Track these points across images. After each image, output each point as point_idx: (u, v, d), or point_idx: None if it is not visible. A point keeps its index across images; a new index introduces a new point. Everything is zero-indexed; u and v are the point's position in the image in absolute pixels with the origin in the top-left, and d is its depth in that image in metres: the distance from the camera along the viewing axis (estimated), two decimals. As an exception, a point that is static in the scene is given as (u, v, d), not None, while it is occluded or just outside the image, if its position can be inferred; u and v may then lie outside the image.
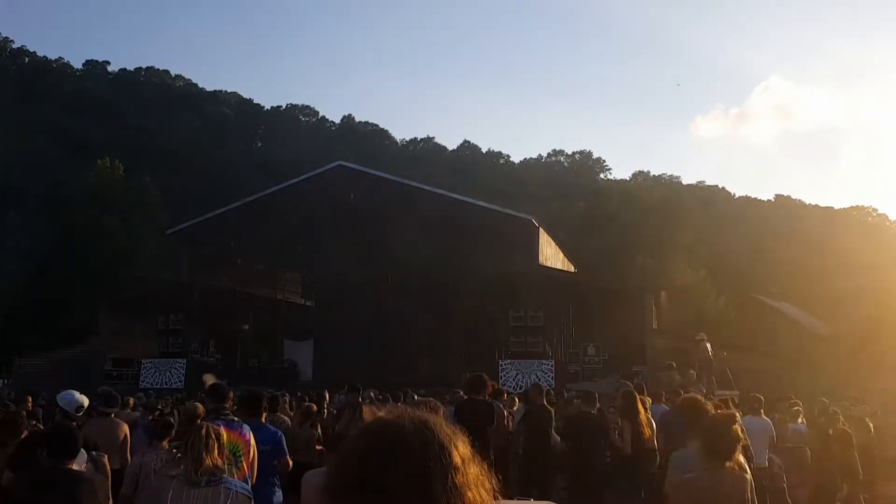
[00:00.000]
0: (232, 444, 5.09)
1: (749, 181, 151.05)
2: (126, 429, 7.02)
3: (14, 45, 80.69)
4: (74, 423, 5.47)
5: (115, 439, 6.90)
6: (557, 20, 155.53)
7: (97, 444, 5.46)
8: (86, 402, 5.95)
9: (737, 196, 79.83)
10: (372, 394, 14.86)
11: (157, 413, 9.84)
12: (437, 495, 1.14)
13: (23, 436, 5.89)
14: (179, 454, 3.73)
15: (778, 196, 78.48)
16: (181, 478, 3.62)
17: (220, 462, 3.70)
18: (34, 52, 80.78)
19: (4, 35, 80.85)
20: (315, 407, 9.34)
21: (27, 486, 4.04)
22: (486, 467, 1.27)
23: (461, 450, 1.22)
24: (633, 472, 7.50)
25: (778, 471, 9.09)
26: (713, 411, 4.05)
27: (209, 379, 6.08)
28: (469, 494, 1.18)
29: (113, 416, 7.37)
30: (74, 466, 4.09)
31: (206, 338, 28.32)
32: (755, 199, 78.34)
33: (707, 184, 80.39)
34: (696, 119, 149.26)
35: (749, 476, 3.85)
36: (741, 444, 3.78)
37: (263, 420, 6.20)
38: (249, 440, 5.19)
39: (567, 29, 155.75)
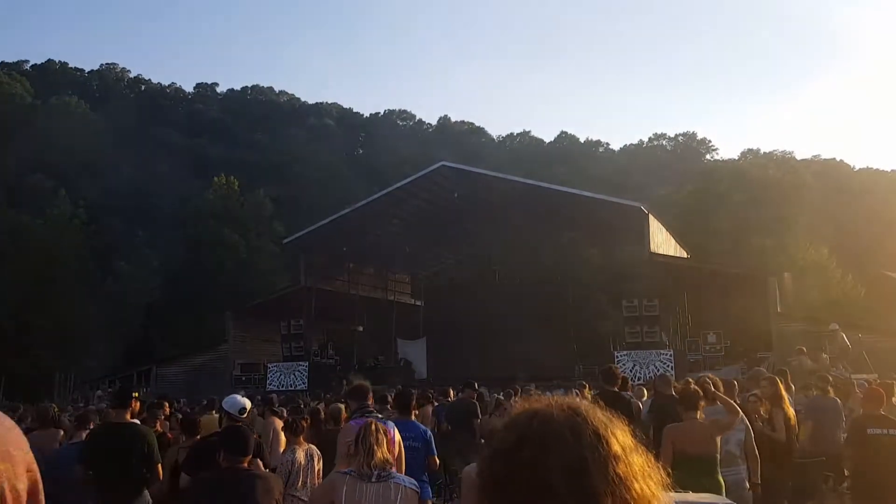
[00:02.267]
0: None
1: (870, 151, 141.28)
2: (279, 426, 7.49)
3: (131, 75, 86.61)
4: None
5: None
6: None
7: (262, 445, 5.82)
8: (248, 404, 6.31)
9: (857, 168, 75.02)
10: (484, 390, 14.97)
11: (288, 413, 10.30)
12: (597, 488, 1.04)
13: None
14: (352, 450, 3.90)
15: (904, 165, 73.20)
16: (353, 474, 3.78)
17: (389, 457, 3.85)
18: (149, 79, 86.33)
19: (122, 66, 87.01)
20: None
21: (207, 487, 4.32)
22: (652, 458, 1.15)
23: (621, 438, 1.11)
24: (781, 460, 7.23)
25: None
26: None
27: (362, 383, 6.29)
28: (636, 486, 1.07)
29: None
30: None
31: (325, 340, 29.43)
32: (878, 169, 73.27)
33: (823, 157, 75.95)
34: (808, 89, 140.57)
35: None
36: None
37: (413, 418, 6.34)
38: (394, 437, 5.25)
39: (659, 3, 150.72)
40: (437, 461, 6.19)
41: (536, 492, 1.05)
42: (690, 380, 6.11)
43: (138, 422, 7.93)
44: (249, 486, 4.07)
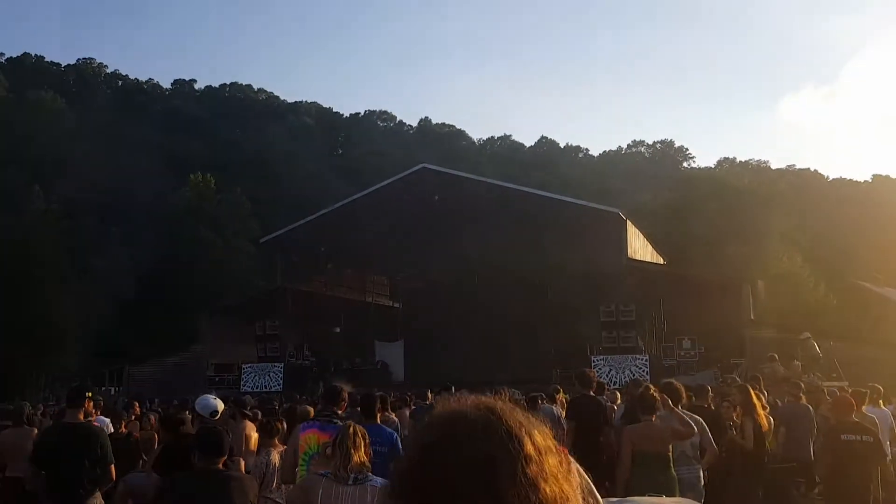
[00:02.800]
0: (322, 444, 5.25)
1: (843, 162, 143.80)
2: (254, 430, 7.38)
3: (108, 70, 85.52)
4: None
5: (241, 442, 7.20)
6: (631, 2, 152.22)
7: (233, 447, 5.75)
8: (221, 406, 6.24)
9: (831, 178, 76.38)
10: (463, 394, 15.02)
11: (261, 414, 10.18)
12: (503, 488, 1.02)
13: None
14: (329, 452, 3.88)
15: (876, 176, 74.42)
16: (330, 476, 3.77)
17: (366, 460, 3.84)
18: (126, 74, 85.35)
19: (99, 61, 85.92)
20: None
21: (183, 487, 4.29)
22: (568, 461, 1.15)
23: (537, 439, 1.09)
24: (753, 468, 7.32)
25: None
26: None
27: (337, 385, 6.19)
28: (546, 488, 1.05)
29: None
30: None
31: (301, 342, 29.22)
32: (851, 180, 74.70)
33: (798, 167, 77.25)
34: (784, 99, 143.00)
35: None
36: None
37: (378, 421, 6.25)
38: None
39: (641, 12, 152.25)
40: None
41: (443, 489, 1.02)
42: (650, 386, 6.74)
43: (107, 421, 7.84)
44: (225, 487, 4.07)
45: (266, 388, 25.04)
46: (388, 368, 27.88)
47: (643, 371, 21.67)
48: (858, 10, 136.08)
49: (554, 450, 1.11)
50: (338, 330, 29.94)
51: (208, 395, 6.47)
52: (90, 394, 6.46)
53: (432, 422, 1.12)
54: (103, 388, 26.32)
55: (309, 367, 27.46)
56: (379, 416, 6.58)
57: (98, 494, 5.65)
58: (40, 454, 5.67)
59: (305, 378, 25.69)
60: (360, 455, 3.79)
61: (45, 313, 34.56)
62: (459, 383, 17.34)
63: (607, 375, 21.68)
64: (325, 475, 3.79)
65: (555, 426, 8.89)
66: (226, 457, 4.25)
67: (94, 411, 7.51)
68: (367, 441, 3.91)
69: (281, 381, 25.46)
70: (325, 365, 27.93)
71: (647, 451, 5.85)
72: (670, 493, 5.54)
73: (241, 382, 25.90)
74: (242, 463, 5.17)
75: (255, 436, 7.30)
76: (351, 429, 3.86)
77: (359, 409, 6.62)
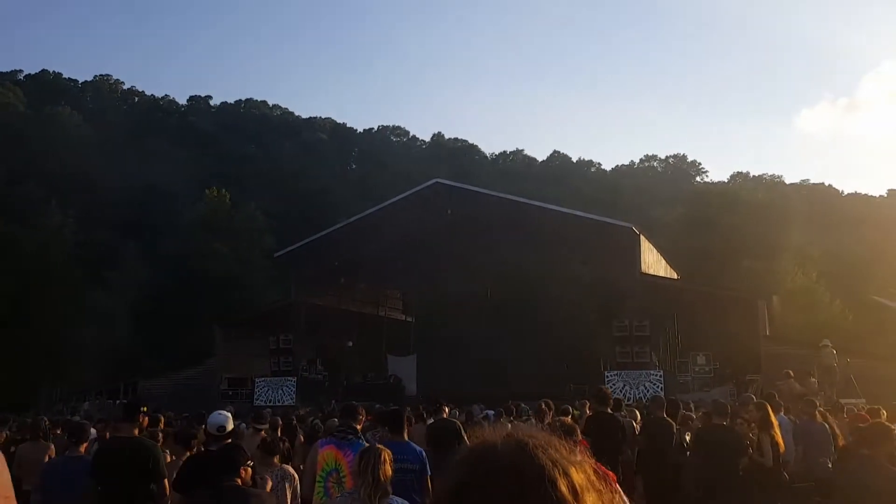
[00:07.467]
0: (337, 462, 5.23)
1: (858, 177, 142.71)
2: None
3: (124, 87, 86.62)
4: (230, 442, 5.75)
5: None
6: (643, 16, 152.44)
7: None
8: (229, 423, 6.05)
9: (845, 193, 75.92)
10: (477, 408, 14.87)
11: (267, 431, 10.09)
12: None
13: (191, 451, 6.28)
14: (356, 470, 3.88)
15: (891, 191, 73.91)
16: (357, 497, 3.78)
17: (384, 481, 3.85)
18: (143, 91, 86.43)
19: (116, 77, 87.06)
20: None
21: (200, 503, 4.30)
22: (611, 489, 1.06)
23: (575, 477, 1.00)
24: (770, 486, 7.24)
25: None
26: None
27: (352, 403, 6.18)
28: None
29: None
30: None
31: (314, 356, 29.21)
32: (866, 195, 74.23)
33: (812, 182, 76.90)
34: (799, 114, 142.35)
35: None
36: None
37: (406, 438, 6.09)
38: (353, 461, 5.03)
39: (654, 24, 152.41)
40: (430, 485, 6.01)
41: None
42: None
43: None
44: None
45: (279, 402, 25.01)
46: (401, 383, 27.80)
47: (657, 387, 21.50)
48: (876, 24, 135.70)
49: (592, 486, 1.02)
50: (350, 344, 29.92)
51: (221, 412, 6.36)
52: (145, 408, 6.44)
53: (462, 461, 1.05)
54: (117, 402, 26.43)
55: (321, 381, 27.44)
56: (406, 434, 6.40)
57: None
58: (97, 469, 5.69)
59: (318, 392, 25.69)
60: (384, 474, 3.82)
61: (60, 326, 34.82)
62: (471, 398, 17.37)
63: (621, 391, 21.53)
64: (354, 496, 3.79)
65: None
66: (238, 473, 4.22)
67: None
68: (390, 461, 3.91)
69: (294, 395, 25.46)
70: (338, 379, 27.90)
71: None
72: None
73: (255, 396, 25.94)
74: (269, 481, 5.13)
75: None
76: (382, 454, 3.88)
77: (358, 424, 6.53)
